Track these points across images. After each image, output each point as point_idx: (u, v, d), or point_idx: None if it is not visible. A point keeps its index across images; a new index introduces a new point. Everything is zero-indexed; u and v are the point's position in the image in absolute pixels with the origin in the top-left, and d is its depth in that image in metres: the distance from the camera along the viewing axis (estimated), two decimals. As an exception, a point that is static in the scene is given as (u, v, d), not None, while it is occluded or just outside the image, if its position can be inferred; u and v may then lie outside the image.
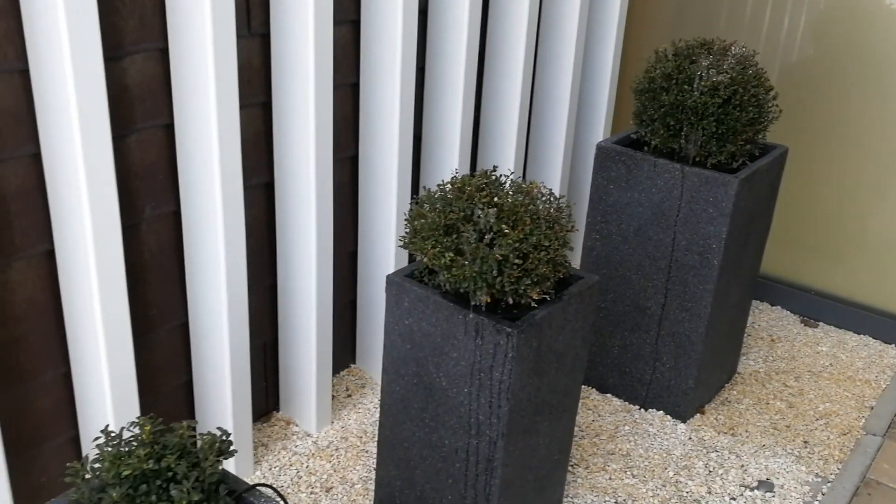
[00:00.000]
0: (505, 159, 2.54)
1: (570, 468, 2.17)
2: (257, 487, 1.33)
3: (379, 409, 2.01)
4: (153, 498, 1.20)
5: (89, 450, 1.57)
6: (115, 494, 1.18)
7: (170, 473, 1.23)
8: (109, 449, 1.22)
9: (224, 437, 1.28)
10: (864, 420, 2.46)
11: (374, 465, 2.15)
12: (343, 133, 2.19)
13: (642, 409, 2.44)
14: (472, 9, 2.19)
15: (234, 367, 1.97)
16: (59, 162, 1.56)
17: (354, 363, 2.54)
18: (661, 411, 2.42)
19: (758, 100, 2.15)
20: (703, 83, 2.11)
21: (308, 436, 2.24)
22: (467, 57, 2.24)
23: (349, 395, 2.43)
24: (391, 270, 2.33)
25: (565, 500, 2.08)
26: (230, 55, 1.69)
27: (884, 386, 2.62)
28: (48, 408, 1.77)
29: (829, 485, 2.20)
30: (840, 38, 2.70)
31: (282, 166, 2.04)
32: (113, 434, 1.26)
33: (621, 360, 2.45)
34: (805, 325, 2.93)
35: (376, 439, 2.25)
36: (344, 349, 2.48)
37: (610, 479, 2.17)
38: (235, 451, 1.31)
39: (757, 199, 2.26)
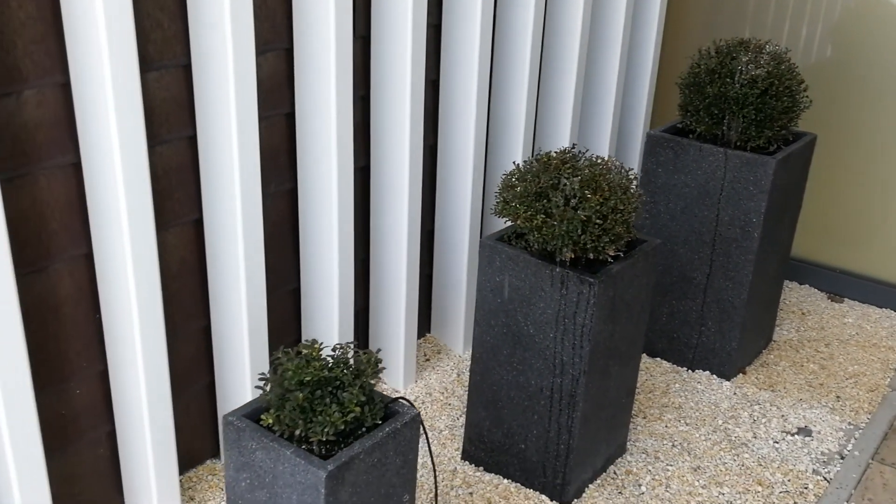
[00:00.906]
0: (559, 147, 2.84)
1: (630, 417, 2.45)
2: (399, 399, 1.63)
3: (471, 360, 2.29)
4: (327, 400, 1.50)
5: (269, 366, 1.72)
6: (300, 395, 1.48)
7: (337, 382, 1.52)
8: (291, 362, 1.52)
9: (378, 356, 1.57)
10: (888, 379, 2.74)
11: (458, 415, 2.44)
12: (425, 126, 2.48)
13: (690, 370, 2.72)
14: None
15: (341, 328, 2.27)
16: (211, 143, 1.87)
17: (430, 332, 2.84)
18: (707, 371, 2.71)
19: (791, 91, 2.44)
20: (743, 76, 2.41)
21: (396, 391, 2.53)
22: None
23: (427, 360, 2.72)
24: (465, 248, 2.63)
25: (629, 443, 2.37)
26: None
27: (905, 351, 2.90)
28: (192, 354, 2.08)
29: (860, 431, 2.48)
30: (857, 39, 2.99)
31: (377, 155, 2.35)
32: (291, 351, 1.56)
33: (669, 327, 2.74)
34: (832, 301, 3.21)
35: (456, 394, 2.54)
36: (421, 319, 2.78)
37: (666, 426, 2.46)
38: (385, 367, 1.61)
39: (791, 179, 2.55)
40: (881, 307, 3.16)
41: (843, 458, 2.36)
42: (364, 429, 1.54)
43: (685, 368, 2.73)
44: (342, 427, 1.48)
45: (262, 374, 1.55)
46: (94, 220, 1.78)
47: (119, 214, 1.73)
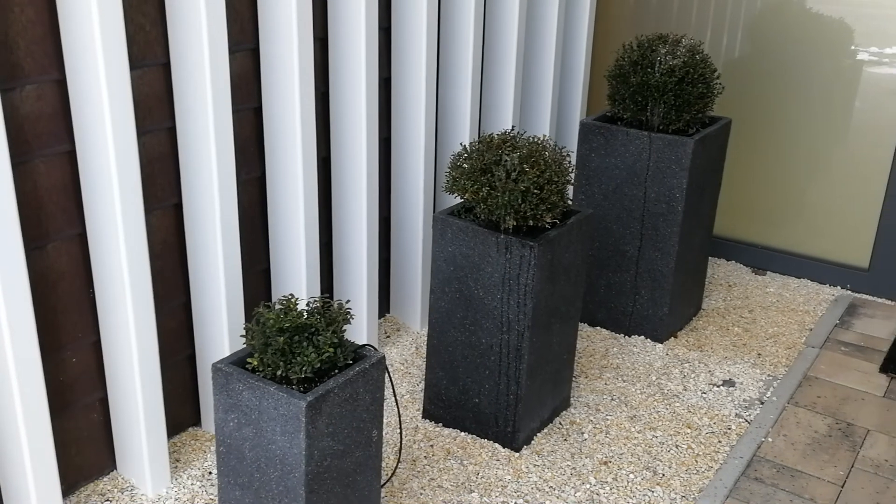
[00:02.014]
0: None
1: (573, 379, 2.71)
2: (366, 346, 1.86)
3: (428, 325, 2.53)
4: (304, 343, 1.73)
5: (251, 318, 1.80)
6: (280, 340, 1.71)
7: (313, 329, 1.75)
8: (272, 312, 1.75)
9: (348, 306, 1.81)
10: (804, 338, 3.04)
11: (418, 382, 2.68)
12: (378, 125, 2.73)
13: (626, 336, 3.00)
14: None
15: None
16: (189, 134, 2.10)
17: (389, 312, 3.07)
18: (642, 336, 2.98)
19: (705, 78, 2.74)
20: (662, 66, 2.70)
21: (361, 364, 2.76)
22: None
23: (388, 337, 2.95)
24: (420, 233, 2.88)
25: (572, 398, 2.63)
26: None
27: (820, 314, 3.21)
28: (174, 328, 2.29)
29: (778, 381, 2.77)
30: (770, 37, 3.32)
31: (337, 146, 2.59)
32: (270, 304, 1.79)
33: (607, 298, 3.01)
34: (755, 274, 3.52)
35: (415, 365, 2.77)
36: (382, 300, 3.01)
37: (605, 384, 2.72)
38: (354, 316, 1.84)
39: (709, 158, 2.85)
40: (799, 277, 3.48)
41: (762, 403, 2.65)
42: (337, 370, 1.78)
43: (622, 334, 3.01)
44: (318, 366, 1.71)
45: (246, 324, 1.78)
46: (88, 202, 1.99)
47: (112, 197, 1.94)
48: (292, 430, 1.69)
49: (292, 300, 1.80)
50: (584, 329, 3.04)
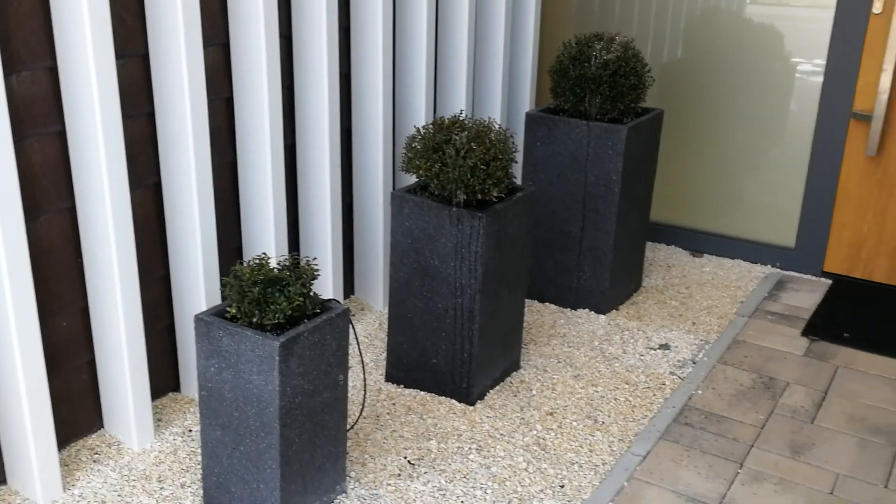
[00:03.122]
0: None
1: (522, 346, 2.96)
2: (331, 300, 2.09)
3: (389, 295, 2.76)
4: (277, 294, 1.96)
5: (231, 273, 2.02)
6: (256, 290, 1.93)
7: (284, 282, 1.98)
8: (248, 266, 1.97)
9: (315, 263, 2.04)
10: (735, 309, 3.32)
11: (380, 352, 2.91)
12: (344, 114, 2.97)
13: (573, 309, 3.25)
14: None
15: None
16: (168, 119, 2.33)
17: (354, 294, 3.30)
18: (587, 309, 3.24)
19: (637, 72, 3.03)
20: (598, 61, 2.98)
21: (327, 338, 2.98)
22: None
23: (353, 315, 3.18)
24: (381, 217, 3.12)
25: (522, 362, 2.87)
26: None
27: (751, 289, 3.49)
28: (154, 299, 2.50)
29: (709, 345, 3.04)
30: (709, 37, 3.62)
31: (301, 136, 2.82)
32: (245, 261, 2.01)
33: (554, 275, 3.27)
34: (693, 256, 3.80)
35: (378, 338, 3.00)
36: (346, 282, 3.24)
37: (553, 349, 2.97)
38: (320, 272, 2.07)
39: (642, 144, 3.13)
40: (733, 258, 3.76)
41: (694, 363, 2.92)
42: (306, 319, 2.00)
43: (569, 308, 3.26)
44: (289, 313, 1.94)
45: (224, 278, 2.00)
46: (77, 178, 2.20)
47: (101, 174, 2.15)
48: (267, 368, 1.91)
49: (265, 258, 2.02)
50: (534, 305, 3.29)
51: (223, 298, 2.01)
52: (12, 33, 2.00)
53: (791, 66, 3.50)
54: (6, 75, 2.01)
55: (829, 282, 3.56)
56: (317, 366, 2.02)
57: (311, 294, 2.02)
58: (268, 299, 1.95)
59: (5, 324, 2.05)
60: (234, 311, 1.97)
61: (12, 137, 2.04)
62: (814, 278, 3.59)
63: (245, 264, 2.02)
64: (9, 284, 2.01)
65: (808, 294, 3.45)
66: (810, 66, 3.47)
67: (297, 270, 2.02)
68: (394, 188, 3.26)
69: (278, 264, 2.05)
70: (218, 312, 2.02)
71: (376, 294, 3.24)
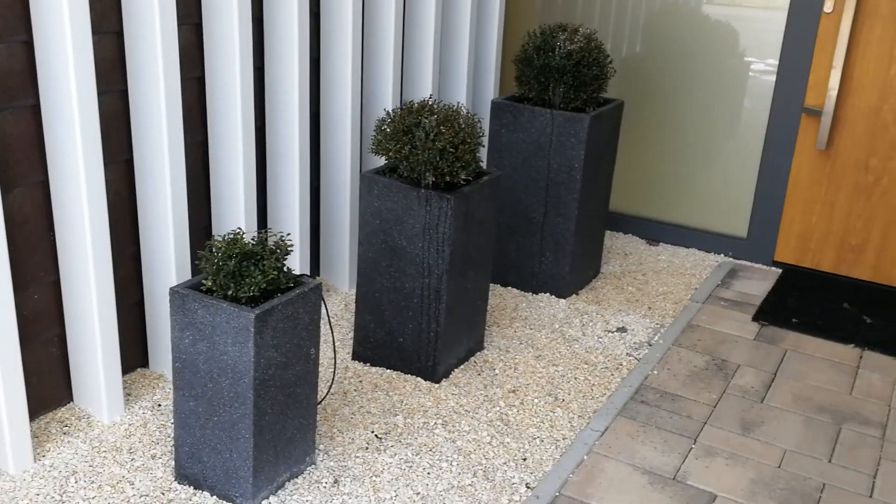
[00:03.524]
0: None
1: (486, 328, 3.03)
2: (304, 275, 2.14)
3: (357, 274, 2.81)
4: (252, 268, 2.00)
5: (206, 247, 2.06)
6: (231, 264, 1.98)
7: (258, 256, 2.03)
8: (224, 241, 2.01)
9: (289, 238, 2.09)
10: (690, 295, 3.44)
11: (348, 332, 2.96)
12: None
13: (534, 294, 3.34)
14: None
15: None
16: (141, 96, 2.35)
17: (319, 275, 3.35)
18: (548, 293, 3.33)
19: (599, 62, 3.12)
20: (561, 51, 3.07)
21: (294, 317, 3.03)
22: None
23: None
24: (347, 199, 3.17)
25: (486, 343, 2.95)
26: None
27: (705, 277, 3.62)
28: (124, 276, 2.53)
29: (665, 328, 3.15)
30: (669, 32, 3.73)
31: (271, 119, 2.86)
32: (220, 237, 2.05)
33: (517, 260, 3.35)
34: (649, 244, 3.92)
35: (345, 318, 3.06)
36: (313, 263, 3.28)
37: (515, 331, 3.06)
38: (293, 249, 2.12)
39: (604, 133, 3.22)
40: (688, 247, 3.89)
41: (650, 345, 3.02)
42: (280, 293, 2.05)
43: (530, 293, 3.35)
44: (264, 286, 1.99)
45: (200, 251, 2.04)
46: (51, 152, 2.22)
47: (75, 148, 2.17)
48: (242, 339, 1.96)
49: (239, 233, 2.07)
50: (497, 289, 3.37)
51: (198, 272, 2.05)
52: (-11, 6, 2.02)
53: (745, 63, 3.63)
54: (-17, 48, 2.02)
55: (780, 271, 3.70)
56: (290, 339, 2.07)
57: (285, 269, 2.07)
58: (243, 272, 1.99)
59: (-22, 295, 2.07)
60: (209, 283, 2.01)
61: (-13, 110, 2.07)
62: (765, 267, 3.73)
63: (221, 238, 2.06)
64: (-17, 256, 2.03)
65: (759, 282, 3.58)
66: (763, 65, 3.60)
67: (272, 245, 2.07)
68: (361, 170, 3.31)
69: (252, 239, 2.10)
70: (193, 286, 2.06)
71: (342, 276, 3.29)
